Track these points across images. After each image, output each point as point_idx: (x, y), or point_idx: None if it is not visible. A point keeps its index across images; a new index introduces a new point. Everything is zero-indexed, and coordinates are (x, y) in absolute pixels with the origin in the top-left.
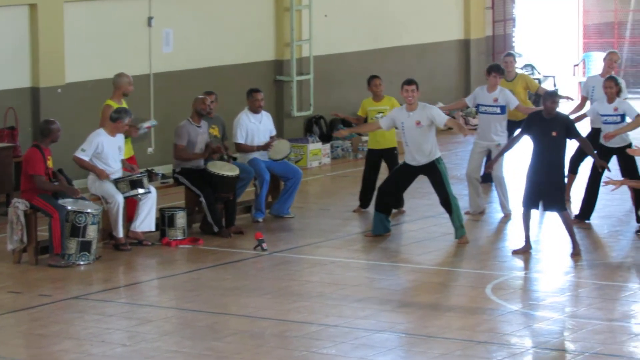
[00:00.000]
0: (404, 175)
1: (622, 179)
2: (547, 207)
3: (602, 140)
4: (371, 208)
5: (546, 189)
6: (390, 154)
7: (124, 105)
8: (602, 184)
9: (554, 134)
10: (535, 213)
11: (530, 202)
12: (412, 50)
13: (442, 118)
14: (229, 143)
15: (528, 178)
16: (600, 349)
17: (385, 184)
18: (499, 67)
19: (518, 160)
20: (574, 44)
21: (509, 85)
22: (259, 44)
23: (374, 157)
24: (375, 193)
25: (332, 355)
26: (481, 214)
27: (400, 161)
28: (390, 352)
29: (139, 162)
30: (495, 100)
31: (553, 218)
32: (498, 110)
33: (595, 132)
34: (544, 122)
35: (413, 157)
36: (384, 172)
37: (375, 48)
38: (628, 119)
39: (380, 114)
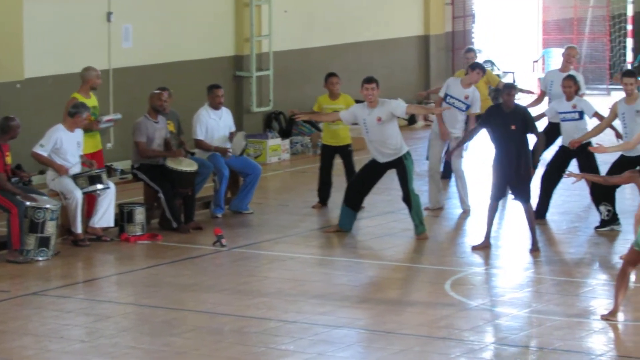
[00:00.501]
0: (372, 172)
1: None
2: (515, 197)
3: (562, 141)
4: (330, 204)
5: (513, 181)
6: (344, 151)
7: (93, 98)
8: (564, 176)
9: (513, 127)
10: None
11: (497, 194)
12: (371, 46)
13: (402, 108)
14: (186, 138)
15: (494, 171)
16: (560, 345)
17: (356, 180)
18: (481, 65)
19: (478, 156)
20: (533, 40)
21: None
22: (218, 39)
23: (329, 153)
24: (345, 188)
25: (291, 351)
26: (440, 210)
27: (360, 157)
28: (349, 348)
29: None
30: (467, 97)
31: (512, 214)
32: (464, 107)
33: (552, 127)
34: (503, 115)
35: (379, 153)
36: (340, 168)
37: (334, 44)
38: (586, 117)
39: None
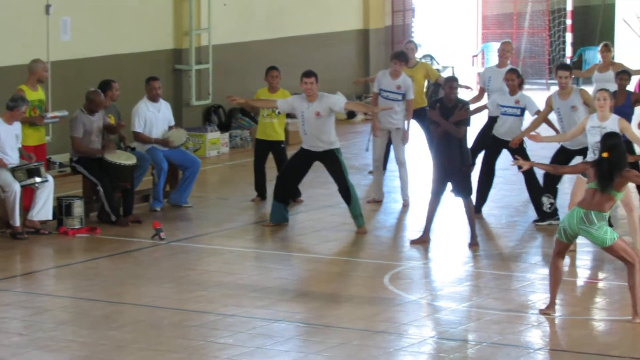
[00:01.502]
0: (302, 161)
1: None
2: (454, 193)
3: (498, 134)
4: (270, 197)
5: (453, 175)
6: (277, 147)
7: (40, 91)
8: (513, 163)
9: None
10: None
11: (438, 189)
12: (311, 40)
13: (340, 104)
14: (127, 132)
15: (435, 165)
16: (498, 339)
17: (284, 173)
18: (403, 54)
19: (417, 150)
20: (473, 34)
21: (410, 72)
22: (157, 32)
23: (262, 147)
24: (274, 182)
25: (230, 344)
26: (379, 203)
27: (292, 152)
28: (288, 342)
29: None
30: (398, 87)
31: (450, 208)
32: (400, 97)
33: (491, 121)
34: (444, 109)
35: (312, 143)
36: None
37: (274, 37)
38: (527, 113)
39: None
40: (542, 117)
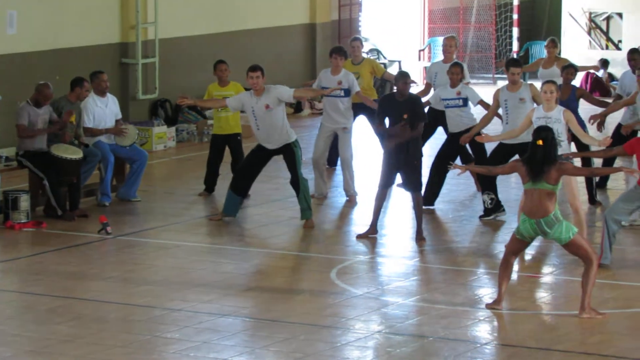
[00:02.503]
0: (259, 157)
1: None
2: (404, 186)
3: (449, 129)
4: (217, 192)
5: (403, 169)
6: (234, 140)
7: None
8: (449, 168)
9: (405, 116)
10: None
11: (386, 181)
12: (258, 34)
13: (289, 93)
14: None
15: (384, 159)
16: (445, 334)
17: (242, 167)
18: (341, 49)
19: (364, 144)
20: (419, 29)
21: (356, 69)
22: (104, 26)
23: (218, 143)
24: (233, 174)
25: (176, 339)
26: (324, 199)
27: (249, 145)
28: (235, 337)
29: None
30: (340, 83)
31: (397, 203)
32: (342, 93)
33: (435, 114)
34: (396, 104)
35: (267, 139)
36: (229, 157)
37: (221, 32)
38: (470, 105)
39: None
40: (492, 112)
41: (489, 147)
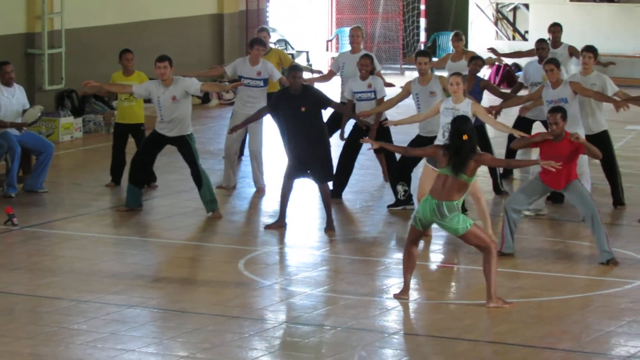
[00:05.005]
0: (154, 143)
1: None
2: (312, 178)
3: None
4: (124, 182)
5: (310, 162)
6: (137, 130)
7: None
8: (361, 141)
9: (303, 109)
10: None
11: (293, 174)
12: (166, 24)
13: (196, 86)
14: None
15: (289, 152)
16: (353, 324)
17: (137, 156)
18: (262, 41)
19: (273, 135)
20: (327, 19)
21: (264, 59)
22: (9, 16)
23: (121, 132)
24: (129, 166)
25: (84, 330)
26: (233, 189)
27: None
28: (142, 328)
29: None
30: (259, 73)
31: (305, 192)
32: (261, 83)
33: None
34: (292, 98)
35: (166, 127)
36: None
37: (128, 22)
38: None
39: None
40: (397, 99)
41: (409, 138)
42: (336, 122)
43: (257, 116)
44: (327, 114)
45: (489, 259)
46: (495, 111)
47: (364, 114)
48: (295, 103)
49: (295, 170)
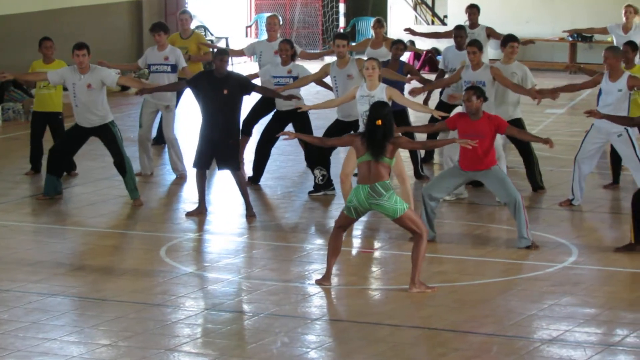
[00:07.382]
0: (76, 137)
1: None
2: (221, 166)
3: (277, 106)
4: (44, 170)
5: (220, 149)
6: (54, 119)
7: None
8: (279, 137)
9: (225, 92)
10: (208, 174)
11: (203, 162)
12: (84, 11)
13: (113, 78)
14: None
15: (201, 137)
16: (275, 310)
17: (57, 146)
18: (161, 24)
19: (190, 120)
20: (246, 5)
21: (185, 43)
22: None
23: (39, 120)
24: (47, 154)
25: (5, 320)
26: (150, 176)
27: (71, 124)
28: (64, 316)
29: None
30: (166, 58)
31: (225, 179)
32: (169, 68)
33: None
34: (214, 80)
35: (85, 118)
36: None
37: (48, 9)
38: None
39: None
40: (312, 78)
41: (326, 123)
42: (263, 108)
43: (172, 87)
44: (253, 100)
45: (419, 243)
46: (415, 94)
47: (280, 89)
48: (218, 85)
49: (204, 157)
